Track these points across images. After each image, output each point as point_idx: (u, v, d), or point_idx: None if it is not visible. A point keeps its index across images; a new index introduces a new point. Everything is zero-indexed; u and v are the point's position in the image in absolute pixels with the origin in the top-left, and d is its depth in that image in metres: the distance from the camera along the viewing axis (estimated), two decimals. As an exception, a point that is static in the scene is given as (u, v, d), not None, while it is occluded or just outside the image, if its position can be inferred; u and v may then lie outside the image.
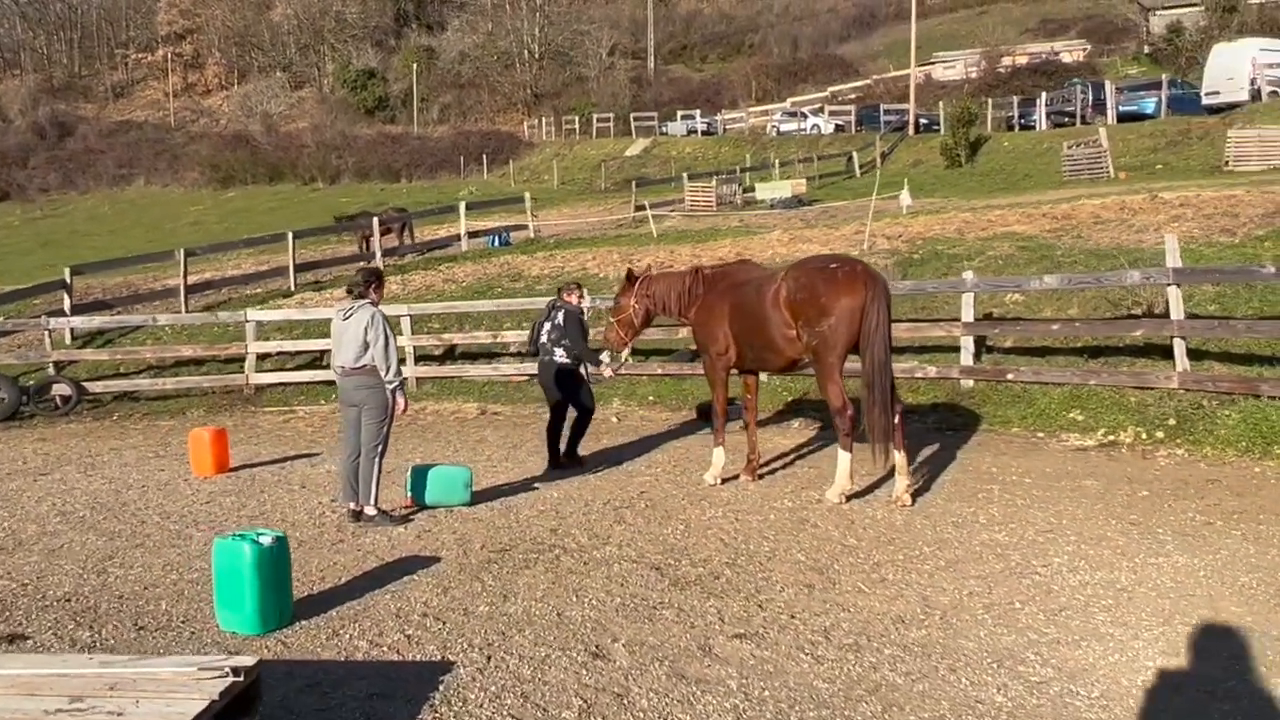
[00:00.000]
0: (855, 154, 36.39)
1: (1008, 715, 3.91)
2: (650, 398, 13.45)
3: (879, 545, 6.30)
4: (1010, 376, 10.73)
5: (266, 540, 5.09)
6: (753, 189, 30.65)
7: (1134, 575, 5.41)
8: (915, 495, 7.41)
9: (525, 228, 26.70)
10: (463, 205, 25.79)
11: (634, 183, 31.54)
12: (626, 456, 9.79)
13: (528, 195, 28.14)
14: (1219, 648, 4.38)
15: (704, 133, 48.88)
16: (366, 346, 7.28)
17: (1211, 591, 5.09)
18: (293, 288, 20.33)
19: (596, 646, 4.73)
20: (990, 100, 38.06)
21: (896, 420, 7.43)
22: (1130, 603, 4.99)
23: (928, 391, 11.29)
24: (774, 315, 7.81)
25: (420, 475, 7.83)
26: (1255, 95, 28.92)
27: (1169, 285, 9.58)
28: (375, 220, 23.19)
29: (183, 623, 5.31)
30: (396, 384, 7.37)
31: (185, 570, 6.29)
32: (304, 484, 9.10)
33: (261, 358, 15.78)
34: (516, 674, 4.44)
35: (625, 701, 4.12)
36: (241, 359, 15.64)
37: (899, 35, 62.51)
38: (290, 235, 20.84)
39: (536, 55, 67.69)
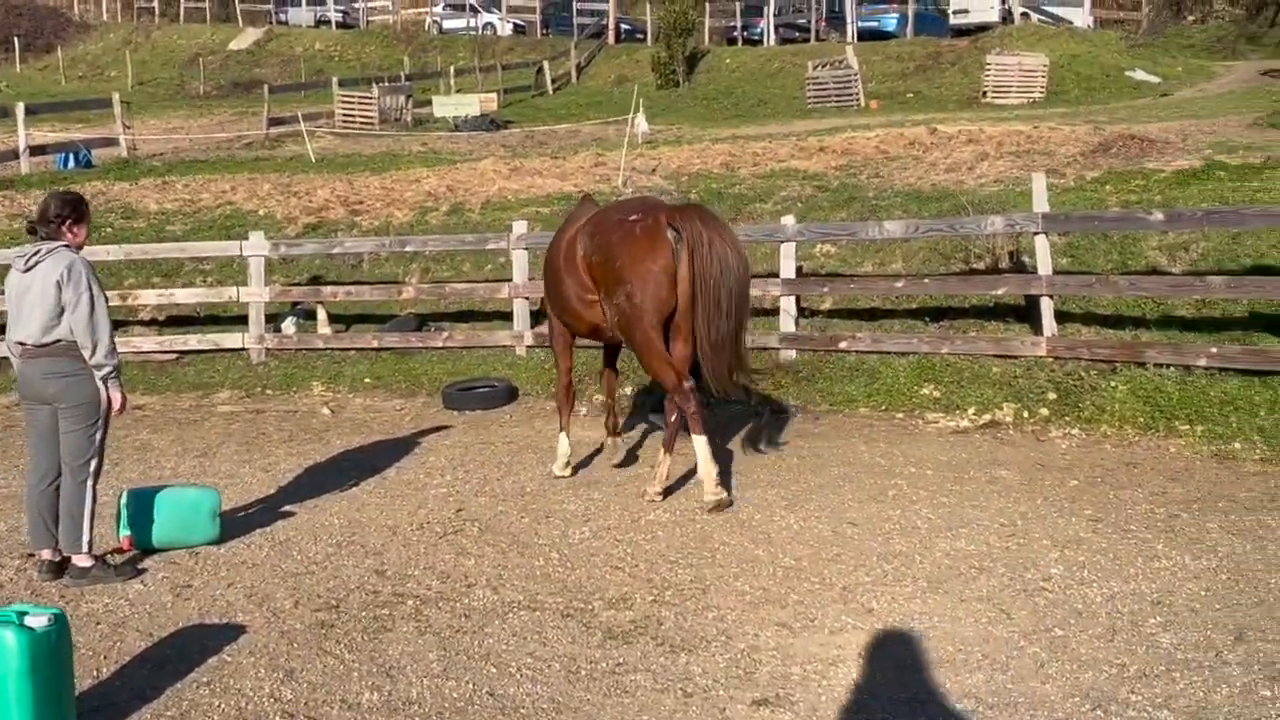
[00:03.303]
0: (547, 64, 36.60)
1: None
2: (366, 380, 12.77)
3: (824, 563, 6.31)
4: (844, 345, 11.19)
5: (39, 622, 4.10)
6: (428, 103, 29.91)
7: (1157, 585, 5.78)
8: (809, 495, 7.68)
9: (115, 143, 24.34)
10: (20, 107, 22.92)
11: (266, 88, 29.61)
12: (387, 461, 9.23)
13: (117, 97, 25.55)
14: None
15: (340, 24, 47.01)
16: (62, 312, 6.17)
17: (1266, 598, 5.53)
18: None
19: (584, 738, 4.30)
20: (708, 6, 39.74)
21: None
22: (1200, 624, 5.29)
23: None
24: (570, 276, 8.04)
25: (142, 503, 6.80)
26: (1006, 16, 32.47)
27: (1037, 234, 10.40)
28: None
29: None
30: (110, 369, 6.33)
31: None
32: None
33: None
34: (498, 791, 3.92)
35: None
36: None
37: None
38: None
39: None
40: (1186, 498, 7.30)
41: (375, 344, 13.30)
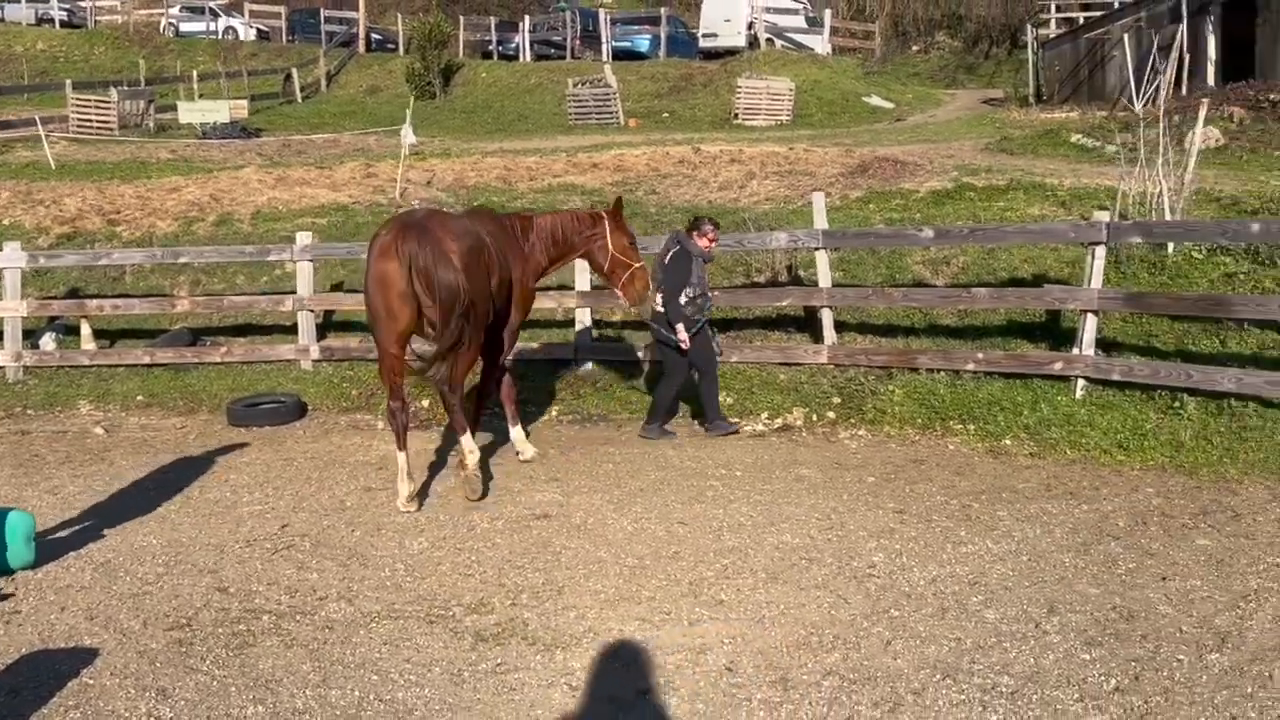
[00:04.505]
0: (296, 72, 35.73)
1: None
2: (139, 397, 12.33)
3: (666, 561, 6.61)
4: (639, 356, 11.62)
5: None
6: (172, 109, 28.71)
7: (970, 568, 6.36)
8: (634, 498, 8.00)
9: None
10: None
11: (-9, 89, 27.70)
12: (185, 480, 8.99)
13: None
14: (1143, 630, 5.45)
15: (64, 23, 44.30)
16: None
17: (1066, 575, 6.19)
18: None
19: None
20: (461, 20, 39.69)
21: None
22: (1016, 600, 5.86)
23: (537, 376, 11.78)
24: None
25: (-50, 529, 6.41)
26: (753, 41, 33.94)
27: (818, 249, 11.08)
28: None
29: None
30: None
31: None
32: None
33: None
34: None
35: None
36: None
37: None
38: None
39: None
40: (974, 490, 7.99)
41: (147, 360, 12.82)
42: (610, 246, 9.12)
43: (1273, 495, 7.51)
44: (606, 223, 9.14)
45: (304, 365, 12.59)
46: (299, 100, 35.10)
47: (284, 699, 4.81)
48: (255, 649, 5.37)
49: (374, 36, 41.25)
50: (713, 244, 9.97)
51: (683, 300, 9.60)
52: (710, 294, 10.02)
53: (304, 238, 12.84)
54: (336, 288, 14.05)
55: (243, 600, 6.06)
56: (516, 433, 9.23)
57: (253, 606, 5.95)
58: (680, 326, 9.57)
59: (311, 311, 12.71)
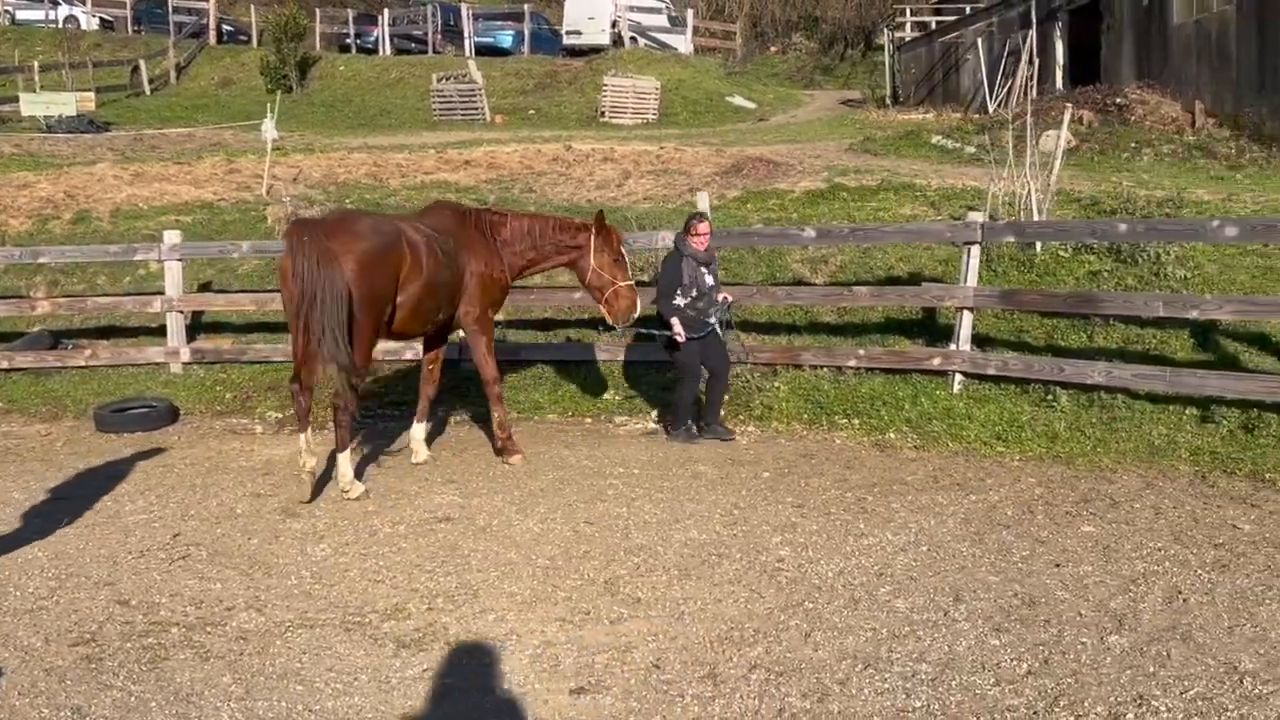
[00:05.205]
0: (144, 63, 34.56)
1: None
2: (-3, 404, 11.80)
3: (578, 561, 6.64)
4: (523, 355, 11.61)
5: None
6: (14, 100, 27.50)
7: (874, 559, 6.54)
8: (536, 499, 8.00)
9: None
10: None
11: None
12: (62, 489, 8.69)
13: None
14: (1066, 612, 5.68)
15: (-124, 11, 42.01)
16: None
17: (965, 564, 6.42)
18: None
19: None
20: (318, 12, 38.87)
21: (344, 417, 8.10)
22: (923, 590, 6.05)
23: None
24: None
25: None
26: (617, 39, 34.09)
27: (692, 248, 11.21)
28: None
29: None
30: None
31: None
32: None
33: None
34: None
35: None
36: None
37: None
38: None
39: None
40: (865, 483, 8.22)
41: (5, 364, 12.34)
42: (591, 263, 8.94)
43: (1146, 483, 7.91)
44: (591, 237, 8.93)
45: (174, 368, 12.25)
46: (147, 93, 34.03)
47: (208, 712, 4.69)
48: (169, 662, 5.22)
49: (225, 28, 40.12)
50: (703, 240, 9.52)
51: (681, 302, 9.46)
52: (723, 297, 9.76)
53: (172, 236, 12.48)
54: (205, 288, 13.69)
55: (147, 613, 5.88)
56: (419, 429, 9.15)
57: (158, 619, 5.78)
58: (675, 321, 9.43)
59: (181, 313, 12.37)
